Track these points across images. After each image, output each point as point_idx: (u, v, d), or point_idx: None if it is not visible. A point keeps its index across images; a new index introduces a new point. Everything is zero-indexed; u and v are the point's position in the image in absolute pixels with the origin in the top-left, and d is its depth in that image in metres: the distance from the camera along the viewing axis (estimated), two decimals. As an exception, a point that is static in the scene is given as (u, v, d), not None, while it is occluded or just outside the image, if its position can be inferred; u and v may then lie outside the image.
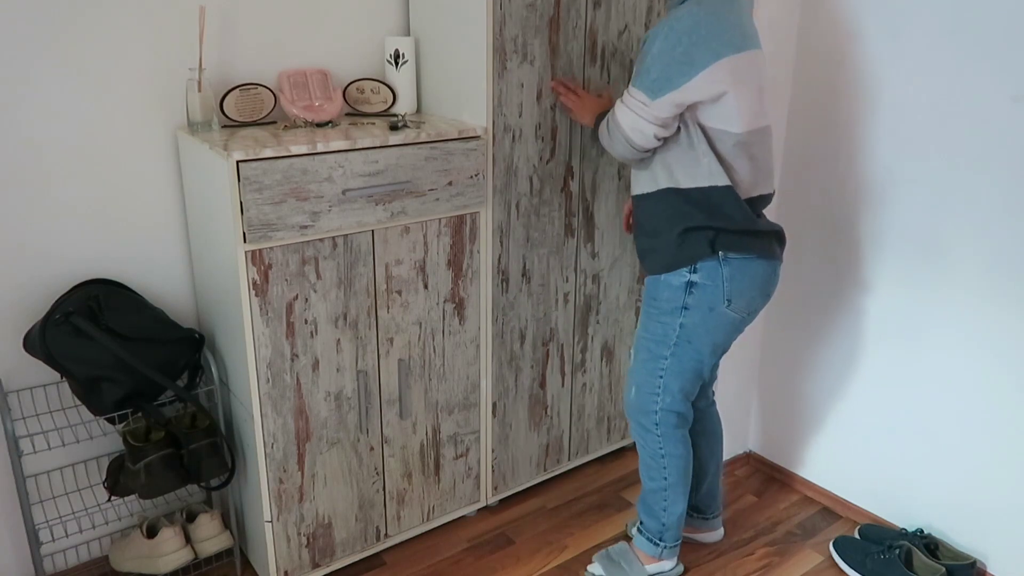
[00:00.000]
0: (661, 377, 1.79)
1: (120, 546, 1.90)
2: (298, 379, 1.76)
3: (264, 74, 1.94)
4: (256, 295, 1.64)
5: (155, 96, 1.81)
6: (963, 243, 1.89)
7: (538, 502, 2.32)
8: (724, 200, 1.62)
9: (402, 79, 2.04)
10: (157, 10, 1.77)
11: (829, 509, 2.31)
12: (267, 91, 1.90)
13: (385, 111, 2.06)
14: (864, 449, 2.21)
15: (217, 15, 1.85)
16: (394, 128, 1.83)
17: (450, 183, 1.85)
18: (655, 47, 1.56)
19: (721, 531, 2.15)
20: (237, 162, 1.54)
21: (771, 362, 2.42)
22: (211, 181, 1.66)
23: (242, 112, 1.87)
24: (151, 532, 1.87)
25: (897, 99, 1.96)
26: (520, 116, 1.94)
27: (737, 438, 2.49)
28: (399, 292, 1.86)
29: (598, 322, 2.31)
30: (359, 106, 2.04)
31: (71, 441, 1.87)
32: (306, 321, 1.73)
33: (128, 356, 1.67)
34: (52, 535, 1.88)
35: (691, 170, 1.63)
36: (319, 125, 1.86)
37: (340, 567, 1.99)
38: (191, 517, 1.94)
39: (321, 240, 1.70)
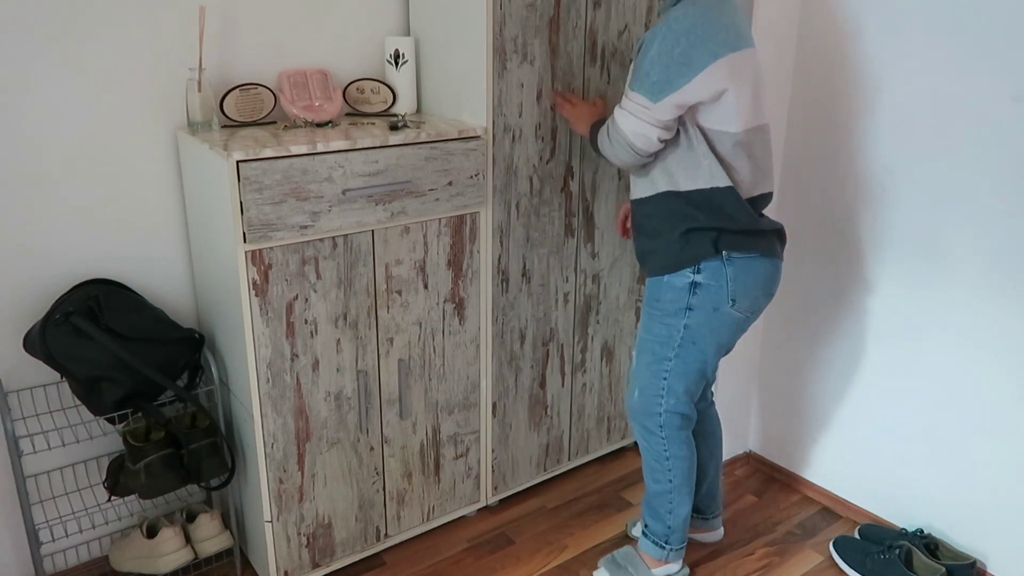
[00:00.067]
0: (665, 379, 1.78)
1: (120, 546, 1.90)
2: (298, 379, 1.76)
3: (264, 74, 1.94)
4: (256, 295, 1.64)
5: (155, 96, 1.82)
6: (963, 243, 1.89)
7: (538, 502, 2.32)
8: (726, 201, 1.62)
9: (402, 79, 2.04)
10: (157, 10, 1.77)
11: (829, 509, 2.31)
12: (267, 91, 1.90)
13: (385, 111, 2.06)
14: (864, 449, 2.21)
15: (217, 15, 1.85)
16: (394, 128, 1.83)
17: (450, 183, 1.85)
18: (653, 50, 1.55)
19: (721, 531, 2.15)
20: (237, 162, 1.54)
21: (771, 362, 2.42)
22: (211, 181, 1.66)
23: (242, 112, 1.87)
24: (151, 532, 1.87)
25: (897, 99, 1.96)
26: (520, 116, 1.94)
27: (737, 438, 2.49)
28: (399, 292, 1.86)
29: (598, 322, 2.31)
30: (359, 106, 2.04)
31: (71, 441, 1.87)
32: (306, 321, 1.73)
33: (128, 356, 1.67)
34: (52, 535, 1.88)
35: (691, 172, 1.63)
36: (319, 125, 1.86)
37: (340, 567, 1.99)
38: (191, 517, 1.94)
39: (321, 240, 1.70)
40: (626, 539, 2.17)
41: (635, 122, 1.60)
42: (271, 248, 1.64)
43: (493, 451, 2.19)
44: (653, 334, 1.78)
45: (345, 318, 1.79)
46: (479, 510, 2.26)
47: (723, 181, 1.61)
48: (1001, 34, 1.74)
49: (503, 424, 2.19)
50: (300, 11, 1.96)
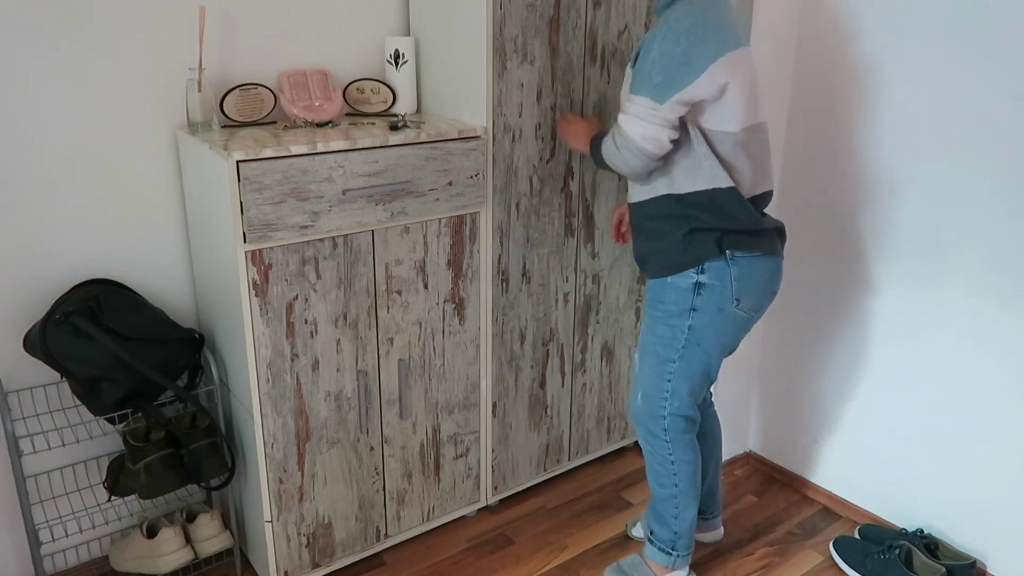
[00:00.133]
0: (669, 381, 1.76)
1: (120, 546, 1.90)
2: (298, 379, 1.76)
3: (264, 74, 1.94)
4: (256, 295, 1.64)
5: (155, 96, 1.82)
6: (963, 243, 1.89)
7: (538, 502, 2.32)
8: (728, 201, 1.61)
9: (402, 79, 2.04)
10: (157, 10, 1.77)
11: (829, 509, 2.31)
12: (267, 91, 1.90)
13: (385, 111, 2.06)
14: (864, 449, 2.21)
15: (217, 15, 1.85)
16: (394, 128, 1.83)
17: (450, 183, 1.85)
18: (654, 51, 1.53)
19: (721, 530, 2.15)
20: (237, 162, 1.54)
21: (771, 362, 2.42)
22: (211, 181, 1.66)
23: (242, 112, 1.87)
24: (151, 532, 1.87)
25: (897, 99, 1.96)
26: (520, 116, 1.94)
27: (737, 438, 2.49)
28: (399, 292, 1.86)
29: (598, 322, 2.31)
30: (359, 106, 2.04)
31: (71, 441, 1.87)
32: (306, 321, 1.73)
33: (128, 356, 1.67)
34: (52, 535, 1.88)
35: (692, 174, 1.62)
36: (319, 125, 1.86)
37: (340, 567, 1.99)
38: (191, 517, 1.94)
39: (321, 240, 1.70)
40: (626, 539, 2.17)
41: (643, 125, 1.56)
42: (271, 248, 1.64)
43: (493, 451, 2.19)
44: (657, 336, 1.76)
45: (345, 318, 1.79)
46: (479, 510, 2.26)
47: (725, 182, 1.61)
48: (1001, 34, 1.74)
49: (503, 424, 2.19)
50: (300, 11, 1.96)
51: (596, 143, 1.72)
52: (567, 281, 2.19)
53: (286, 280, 1.68)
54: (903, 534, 2.06)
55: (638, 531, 2.16)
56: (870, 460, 2.20)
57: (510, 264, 2.04)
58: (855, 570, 2.02)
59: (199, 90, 1.77)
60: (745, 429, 2.52)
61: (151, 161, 1.85)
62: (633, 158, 1.60)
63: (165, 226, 1.91)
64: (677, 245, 1.66)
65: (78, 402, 1.79)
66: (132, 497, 1.94)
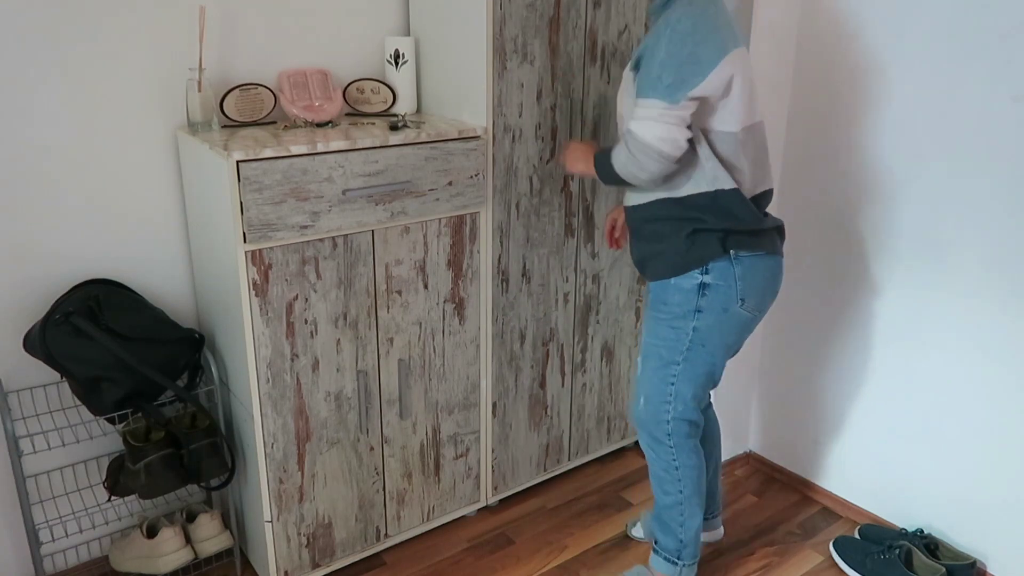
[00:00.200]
0: (672, 384, 1.74)
1: (120, 546, 1.90)
2: (298, 379, 1.76)
3: (264, 74, 1.94)
4: (256, 295, 1.64)
5: (155, 96, 1.82)
6: (963, 243, 1.89)
7: (538, 502, 2.33)
8: (732, 203, 1.60)
9: (402, 79, 2.04)
10: (157, 10, 1.77)
11: (829, 509, 2.31)
12: (267, 91, 1.90)
13: (385, 111, 2.06)
14: (864, 449, 2.21)
15: (217, 15, 1.85)
16: (394, 128, 1.83)
17: (450, 183, 1.85)
18: (661, 53, 1.51)
19: (721, 530, 2.15)
20: (237, 162, 1.54)
21: (771, 362, 2.42)
22: (211, 181, 1.66)
23: (242, 112, 1.87)
24: (151, 532, 1.87)
25: (897, 99, 1.96)
26: (520, 116, 1.94)
27: (737, 438, 2.49)
28: (399, 292, 1.86)
29: (598, 322, 2.31)
30: (359, 106, 2.04)
31: (71, 441, 1.87)
32: (306, 321, 1.73)
33: (128, 356, 1.67)
34: (52, 535, 1.88)
35: (693, 176, 1.60)
36: (319, 125, 1.86)
37: (340, 567, 1.99)
38: (191, 517, 1.94)
39: (321, 240, 1.70)
40: (626, 539, 2.17)
41: (658, 127, 1.52)
42: (271, 248, 1.64)
43: (493, 451, 2.19)
44: (660, 338, 1.73)
45: (345, 318, 1.79)
46: (479, 510, 2.26)
47: (728, 183, 1.59)
48: (1001, 34, 1.74)
49: (503, 424, 2.19)
50: (300, 11, 1.96)
51: (602, 159, 1.67)
52: (567, 281, 2.19)
53: (286, 280, 1.68)
54: (903, 534, 2.06)
55: (638, 531, 2.16)
56: (870, 460, 2.20)
57: (510, 264, 2.04)
58: (855, 570, 2.02)
59: (199, 90, 1.77)
60: (745, 429, 2.52)
61: (151, 161, 1.85)
62: (651, 162, 1.55)
63: (165, 226, 1.91)
64: (679, 246, 1.64)
65: (78, 402, 1.79)
66: (132, 497, 1.94)
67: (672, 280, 1.68)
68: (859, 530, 2.14)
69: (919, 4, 1.87)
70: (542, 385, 2.24)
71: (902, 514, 2.15)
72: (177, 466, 1.77)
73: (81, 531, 1.91)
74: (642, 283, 2.37)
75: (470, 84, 1.90)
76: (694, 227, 1.63)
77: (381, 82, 2.05)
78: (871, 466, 2.20)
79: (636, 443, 2.56)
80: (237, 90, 1.85)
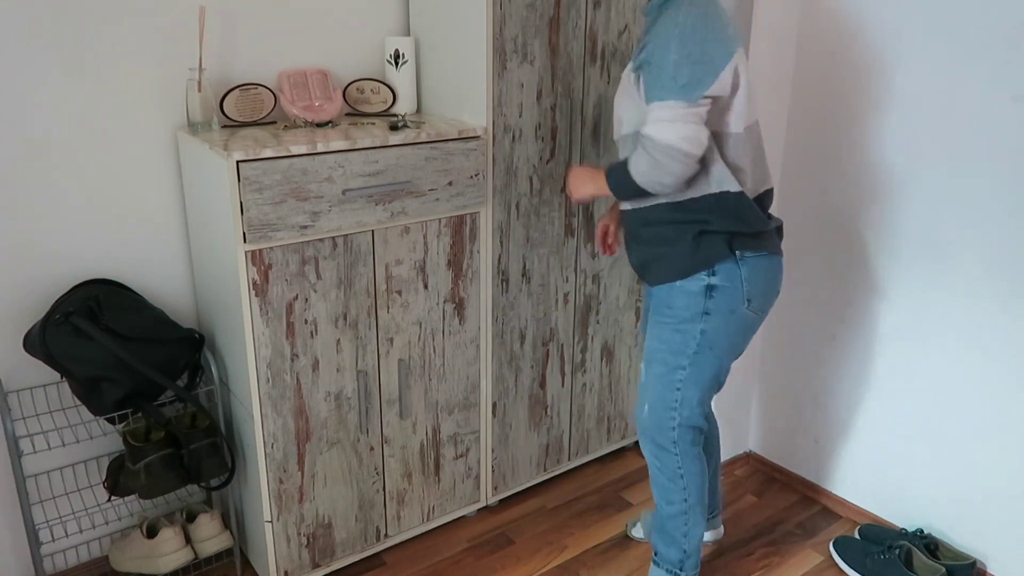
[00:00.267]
0: (679, 389, 1.70)
1: (120, 546, 1.90)
2: (298, 379, 1.76)
3: (264, 74, 1.94)
4: (256, 295, 1.64)
5: (155, 96, 1.82)
6: (963, 243, 1.89)
7: (538, 502, 2.32)
8: (739, 205, 1.59)
9: (402, 79, 2.04)
10: (157, 10, 1.77)
11: (829, 509, 2.31)
12: (267, 91, 1.90)
13: (385, 111, 2.06)
14: (864, 449, 2.21)
15: (217, 15, 1.85)
16: (394, 128, 1.83)
17: (450, 183, 1.85)
18: (672, 54, 1.48)
19: (721, 529, 2.15)
20: (237, 162, 1.54)
21: (771, 362, 2.42)
22: (211, 181, 1.66)
23: (242, 112, 1.87)
24: (151, 532, 1.87)
25: (897, 99, 1.96)
26: (520, 116, 1.94)
27: (737, 438, 2.49)
28: (399, 292, 1.86)
29: (598, 322, 2.31)
30: (359, 106, 2.04)
31: (71, 441, 1.87)
32: (306, 321, 1.73)
33: (128, 356, 1.67)
34: (52, 535, 1.88)
35: (698, 178, 1.58)
36: (319, 125, 1.86)
37: (340, 567, 1.99)
38: (191, 517, 1.94)
39: (321, 240, 1.70)
40: (626, 539, 2.17)
41: (680, 127, 1.48)
42: (271, 248, 1.64)
43: (493, 451, 2.19)
44: (666, 342, 1.69)
45: (345, 318, 1.79)
46: (479, 510, 2.26)
47: (734, 186, 1.57)
48: (1001, 34, 1.74)
49: (503, 424, 2.19)
50: (300, 11, 1.96)
51: (617, 174, 1.60)
52: (567, 281, 2.19)
53: (286, 280, 1.68)
54: (903, 534, 2.06)
55: (638, 531, 2.16)
56: (870, 460, 2.20)
57: (510, 264, 2.04)
58: (855, 570, 2.02)
59: (199, 90, 1.77)
60: (745, 429, 2.52)
61: (151, 161, 1.85)
62: (676, 164, 1.49)
63: (165, 226, 1.91)
64: (685, 249, 1.61)
65: (78, 402, 1.79)
66: (132, 497, 1.94)
67: (678, 283, 1.64)
68: (859, 530, 2.14)
69: (919, 4, 1.87)
70: (542, 385, 2.24)
71: (902, 514, 2.15)
72: (177, 466, 1.77)
73: (81, 531, 1.91)
74: (642, 284, 2.37)
75: (470, 84, 1.90)
76: (700, 229, 1.60)
77: (381, 82, 2.05)
78: (871, 466, 2.20)
79: (636, 443, 2.56)
80: (237, 90, 1.85)
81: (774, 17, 2.07)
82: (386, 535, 2.05)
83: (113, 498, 1.88)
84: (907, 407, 2.08)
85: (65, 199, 1.76)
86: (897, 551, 1.96)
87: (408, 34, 2.12)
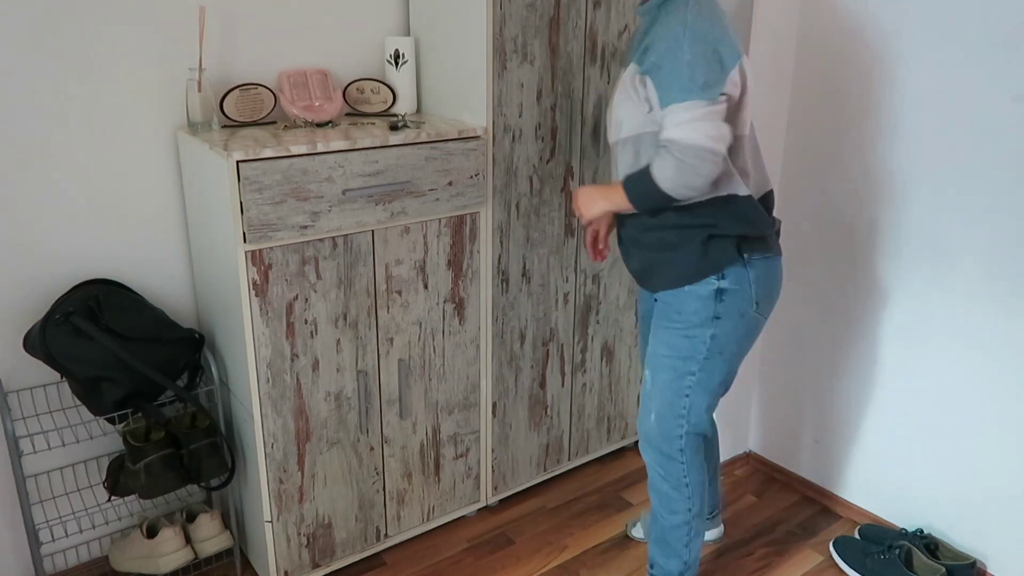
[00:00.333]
0: (687, 396, 1.67)
1: (120, 546, 1.90)
2: (298, 379, 1.76)
3: (264, 74, 1.94)
4: (256, 295, 1.64)
5: (155, 96, 1.82)
6: (963, 243, 1.89)
7: (538, 502, 2.32)
8: (746, 208, 1.57)
9: (402, 79, 2.04)
10: (157, 10, 1.77)
11: (829, 509, 2.31)
12: (267, 91, 1.90)
13: (385, 111, 2.06)
14: (864, 449, 2.21)
15: (217, 15, 1.85)
16: (394, 128, 1.83)
17: (450, 183, 1.85)
18: (684, 55, 1.45)
19: (721, 528, 2.15)
20: (237, 162, 1.54)
21: (771, 362, 2.42)
22: (211, 181, 1.66)
23: (242, 112, 1.87)
24: (151, 532, 1.87)
25: (897, 99, 1.96)
26: (520, 116, 1.94)
27: (737, 438, 2.49)
28: (399, 292, 1.86)
29: (598, 322, 2.31)
30: (359, 106, 2.04)
31: (71, 441, 1.87)
32: (306, 321, 1.73)
33: (128, 356, 1.67)
34: (52, 535, 1.88)
35: None
36: (319, 125, 1.86)
37: (340, 567, 1.99)
38: (191, 517, 1.94)
39: (321, 240, 1.70)
40: (626, 539, 2.17)
41: (706, 126, 1.44)
42: (271, 248, 1.64)
43: (493, 451, 2.19)
44: (673, 349, 1.65)
45: (345, 318, 1.79)
46: (479, 510, 2.26)
47: (742, 190, 1.56)
48: (1001, 34, 1.74)
49: (503, 424, 2.19)
50: (300, 11, 1.96)
51: (639, 184, 1.53)
52: (567, 281, 2.19)
53: (286, 280, 1.68)
54: (903, 534, 2.06)
55: (638, 531, 2.16)
56: (870, 460, 2.20)
57: (510, 264, 2.04)
58: (855, 570, 2.02)
59: (199, 90, 1.77)
60: (745, 429, 2.52)
61: (151, 161, 1.85)
62: (706, 164, 1.44)
63: (165, 226, 1.91)
64: (693, 253, 1.58)
65: (78, 402, 1.79)
66: (132, 497, 1.94)
67: (687, 288, 1.61)
68: (859, 530, 2.14)
69: (919, 4, 1.87)
70: (542, 385, 2.24)
71: (902, 514, 2.15)
72: (177, 466, 1.77)
73: (81, 531, 1.91)
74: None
75: (470, 84, 1.90)
76: (708, 233, 1.57)
77: (381, 82, 2.05)
78: (871, 466, 2.20)
79: (636, 443, 2.55)
80: (237, 90, 1.85)
81: (774, 17, 2.07)
82: (386, 535, 2.05)
83: (113, 498, 1.88)
84: (907, 407, 2.08)
85: (65, 199, 1.76)
86: (897, 551, 1.96)
87: (408, 34, 2.12)
